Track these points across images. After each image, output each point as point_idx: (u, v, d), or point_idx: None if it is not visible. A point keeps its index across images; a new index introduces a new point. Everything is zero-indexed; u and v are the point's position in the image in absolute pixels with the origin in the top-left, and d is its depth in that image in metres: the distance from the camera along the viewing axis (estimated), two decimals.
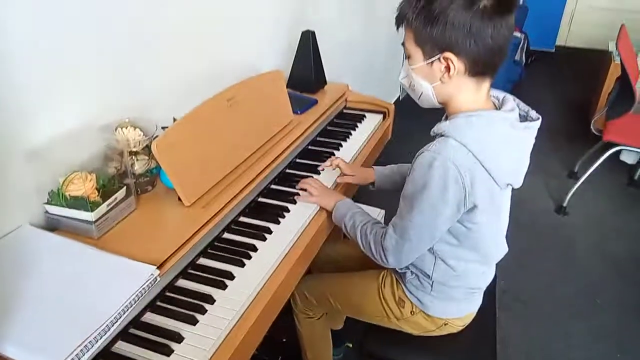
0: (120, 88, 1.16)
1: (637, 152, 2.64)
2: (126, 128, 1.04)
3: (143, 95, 1.24)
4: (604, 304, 2.02)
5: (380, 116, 1.78)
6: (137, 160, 1.07)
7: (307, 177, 1.36)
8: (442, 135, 0.93)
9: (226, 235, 1.12)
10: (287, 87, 1.72)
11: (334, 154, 1.50)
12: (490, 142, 0.91)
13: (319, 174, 1.37)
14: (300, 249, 1.10)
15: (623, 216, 2.61)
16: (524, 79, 4.24)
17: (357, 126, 1.69)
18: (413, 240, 0.98)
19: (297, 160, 1.47)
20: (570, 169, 3.00)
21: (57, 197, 0.94)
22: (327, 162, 1.35)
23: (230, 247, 1.07)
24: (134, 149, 1.06)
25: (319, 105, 1.65)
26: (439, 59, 0.90)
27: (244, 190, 1.18)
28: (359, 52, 2.86)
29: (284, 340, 1.56)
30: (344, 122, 1.72)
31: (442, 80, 0.93)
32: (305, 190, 1.24)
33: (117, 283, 0.82)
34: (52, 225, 0.98)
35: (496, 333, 1.24)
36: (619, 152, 2.56)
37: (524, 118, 0.99)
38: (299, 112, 1.57)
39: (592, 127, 2.84)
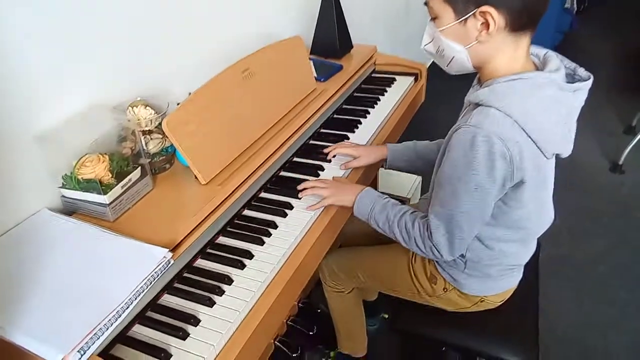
0: (134, 66, 1.13)
1: None
2: (137, 107, 1.01)
3: (157, 73, 1.20)
4: None
5: (412, 79, 1.67)
6: (151, 139, 1.04)
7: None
8: (479, 105, 0.83)
9: (246, 212, 1.08)
10: (310, 53, 1.66)
11: (360, 122, 1.43)
12: (537, 109, 0.80)
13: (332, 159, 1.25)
14: (324, 223, 1.05)
15: None
16: (576, 28, 3.91)
17: (386, 91, 1.60)
18: (464, 227, 0.87)
19: (322, 131, 1.40)
20: (627, 123, 2.76)
21: (70, 180, 0.93)
22: (330, 155, 1.22)
23: (249, 225, 1.03)
24: (147, 128, 1.03)
25: (344, 70, 1.57)
26: (474, 14, 0.79)
27: (264, 165, 1.14)
28: (389, 9, 2.69)
29: (319, 310, 1.55)
30: (373, 87, 1.63)
31: (479, 40, 0.82)
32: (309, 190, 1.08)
33: (130, 267, 0.80)
34: (70, 209, 0.97)
35: (538, 306, 1.15)
36: None
37: (571, 77, 0.87)
38: (322, 79, 1.50)
39: None
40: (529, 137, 0.80)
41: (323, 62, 1.59)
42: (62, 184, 0.95)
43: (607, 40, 3.88)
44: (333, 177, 1.15)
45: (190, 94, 1.21)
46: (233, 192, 1.04)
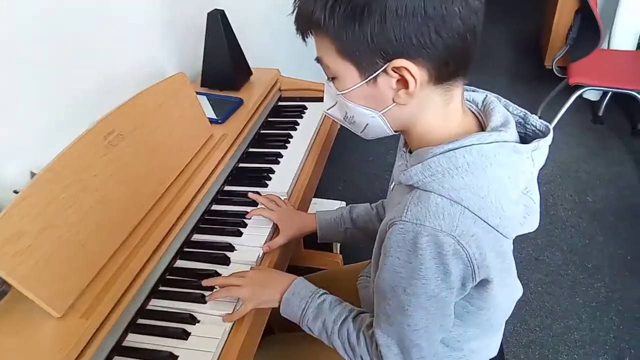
0: None
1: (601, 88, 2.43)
2: None
3: None
4: (596, 267, 1.83)
5: None
6: None
7: (239, 211, 1.03)
8: (415, 187, 0.61)
9: (129, 339, 0.78)
10: (201, 87, 1.37)
11: (273, 171, 1.16)
12: (490, 184, 0.59)
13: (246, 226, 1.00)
14: (244, 330, 0.78)
15: (596, 159, 2.43)
16: None
17: (297, 124, 1.35)
18: (422, 344, 0.67)
19: (227, 188, 1.12)
20: (533, 114, 2.78)
21: None
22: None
23: None
24: None
25: (245, 105, 1.29)
26: (385, 71, 0.58)
27: (150, 262, 0.84)
28: (287, 23, 2.41)
29: None
30: (281, 120, 1.38)
31: (397, 101, 0.60)
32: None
33: None
34: None
35: None
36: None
37: (522, 127, 0.68)
38: (220, 121, 1.21)
39: (553, 68, 2.61)
40: (487, 223, 0.60)
41: (218, 97, 1.31)
42: None
43: (494, 26, 3.85)
44: (251, 268, 0.88)
45: (32, 173, 0.88)
46: (108, 315, 0.74)
